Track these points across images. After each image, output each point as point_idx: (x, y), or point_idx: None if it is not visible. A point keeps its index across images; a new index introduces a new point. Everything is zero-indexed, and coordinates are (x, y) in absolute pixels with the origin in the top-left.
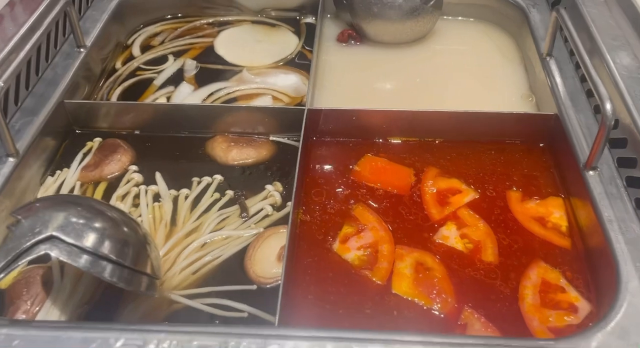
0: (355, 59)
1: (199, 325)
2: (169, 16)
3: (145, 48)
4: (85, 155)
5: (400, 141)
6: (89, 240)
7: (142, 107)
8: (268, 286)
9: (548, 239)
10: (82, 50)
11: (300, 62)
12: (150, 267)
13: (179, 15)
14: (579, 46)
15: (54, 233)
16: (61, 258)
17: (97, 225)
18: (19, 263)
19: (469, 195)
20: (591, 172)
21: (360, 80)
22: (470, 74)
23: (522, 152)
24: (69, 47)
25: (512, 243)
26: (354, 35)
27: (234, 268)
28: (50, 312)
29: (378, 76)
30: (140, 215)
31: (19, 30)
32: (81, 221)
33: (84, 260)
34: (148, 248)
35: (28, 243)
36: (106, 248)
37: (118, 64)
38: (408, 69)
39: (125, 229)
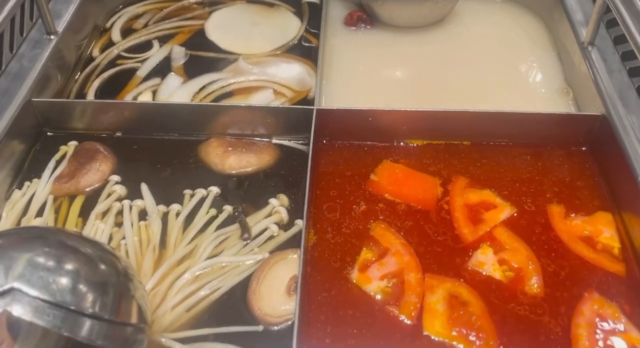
0: (365, 45)
1: None
2: None
3: (126, 32)
4: (58, 162)
5: (422, 144)
6: (60, 291)
7: (124, 106)
8: (277, 327)
9: (599, 264)
10: (52, 37)
11: (304, 49)
12: (135, 313)
13: None
14: (635, 34)
15: (15, 285)
16: (25, 317)
17: (68, 268)
18: None
19: (505, 210)
20: None
21: (372, 70)
22: (496, 62)
23: (561, 157)
24: (38, 33)
25: (559, 269)
26: (364, 17)
27: (235, 304)
28: None
29: (392, 65)
30: (124, 238)
31: None
32: (50, 264)
33: (53, 317)
34: (131, 287)
35: None
36: (81, 300)
37: (95, 52)
38: (426, 56)
39: (103, 268)
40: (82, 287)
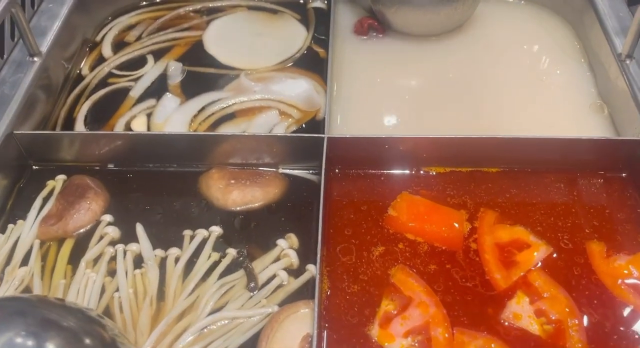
0: (378, 56)
1: None
2: (145, 2)
3: (118, 45)
4: (45, 200)
5: (444, 172)
6: None
7: (116, 137)
8: None
9: None
10: (36, 59)
11: (311, 61)
12: None
13: (157, 0)
14: None
15: None
16: None
17: None
18: None
19: (540, 250)
20: None
21: (386, 84)
22: (521, 73)
23: (599, 184)
24: (20, 54)
25: (603, 319)
26: (375, 25)
27: None
28: None
29: (407, 78)
30: (117, 290)
31: None
32: (29, 345)
33: None
34: None
35: None
36: None
37: (85, 70)
38: (443, 68)
39: (88, 343)
40: None
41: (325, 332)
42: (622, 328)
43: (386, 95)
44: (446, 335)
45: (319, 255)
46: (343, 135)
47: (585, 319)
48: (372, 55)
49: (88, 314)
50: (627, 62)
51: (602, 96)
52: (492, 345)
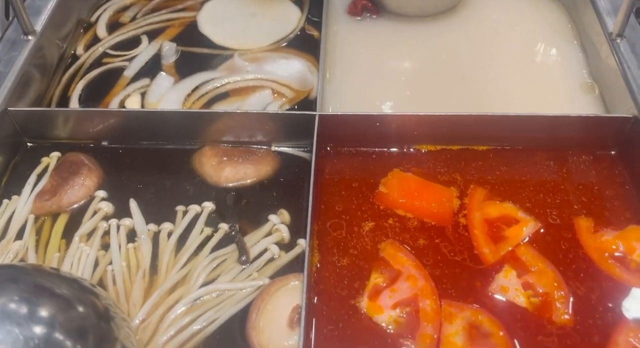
0: (371, 36)
1: None
2: None
3: (112, 26)
4: (40, 176)
5: (435, 150)
6: (34, 344)
7: (110, 114)
8: None
9: (634, 286)
10: (30, 37)
11: (304, 42)
12: None
13: None
14: None
15: None
16: None
17: (42, 316)
18: None
19: (529, 226)
20: None
21: (379, 64)
22: (514, 54)
23: (588, 162)
24: (15, 33)
25: (589, 292)
26: (369, 6)
27: (234, 338)
28: None
29: (400, 58)
30: (110, 263)
31: None
32: (22, 313)
33: None
34: (114, 327)
35: None
36: None
37: (80, 49)
38: (436, 48)
39: (82, 310)
40: (58, 336)
41: (315, 304)
42: (607, 301)
43: (380, 76)
44: (434, 306)
45: (308, 228)
46: (334, 113)
47: (571, 292)
48: (365, 36)
49: (82, 283)
50: (618, 40)
51: (593, 76)
52: (479, 317)
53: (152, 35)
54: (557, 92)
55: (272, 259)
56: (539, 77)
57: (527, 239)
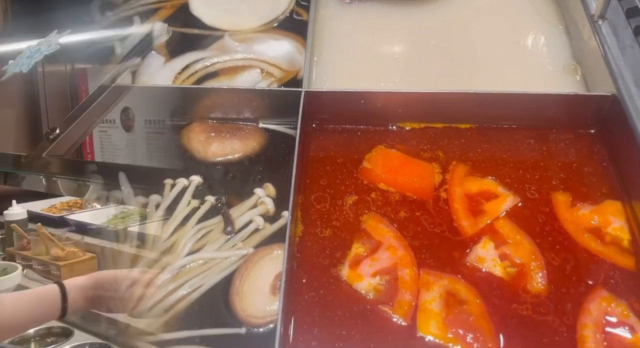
0: (360, 19)
1: None
2: None
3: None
4: None
5: (419, 127)
6: None
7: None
8: (261, 329)
9: (607, 258)
10: None
11: (295, 24)
12: None
13: None
14: None
15: None
16: None
17: None
18: None
19: (508, 200)
20: None
21: (367, 46)
22: (499, 36)
23: (568, 140)
24: None
25: (564, 263)
26: None
27: (217, 303)
28: None
29: (388, 41)
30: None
31: None
32: None
33: None
34: None
35: None
36: None
37: None
38: (423, 31)
39: None
40: None
41: (296, 271)
42: (581, 272)
43: (368, 59)
44: (413, 275)
45: (291, 198)
46: (320, 89)
47: (546, 263)
48: (355, 19)
49: None
50: (600, 22)
51: (576, 58)
52: (456, 285)
53: (145, 16)
54: (541, 74)
55: (256, 230)
56: (524, 59)
57: (505, 213)
